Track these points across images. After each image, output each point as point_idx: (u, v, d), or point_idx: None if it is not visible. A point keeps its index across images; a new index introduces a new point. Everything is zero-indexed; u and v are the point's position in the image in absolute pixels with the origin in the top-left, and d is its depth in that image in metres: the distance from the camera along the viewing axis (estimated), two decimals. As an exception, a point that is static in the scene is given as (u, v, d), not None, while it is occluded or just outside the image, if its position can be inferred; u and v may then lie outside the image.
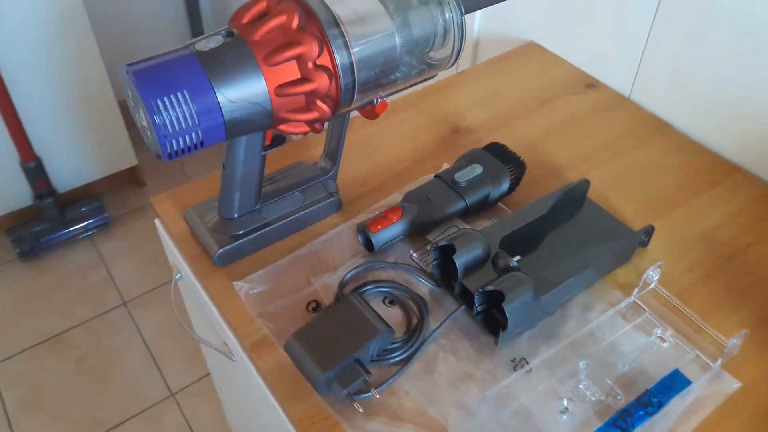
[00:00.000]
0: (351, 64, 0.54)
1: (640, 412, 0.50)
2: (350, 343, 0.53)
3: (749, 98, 0.71)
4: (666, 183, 0.72)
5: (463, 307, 0.58)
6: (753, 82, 0.70)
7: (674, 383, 0.53)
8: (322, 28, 0.52)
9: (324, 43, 0.52)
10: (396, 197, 0.69)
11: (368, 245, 0.64)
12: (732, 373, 0.54)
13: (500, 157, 0.68)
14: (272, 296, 0.61)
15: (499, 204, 0.68)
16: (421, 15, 0.58)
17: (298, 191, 0.66)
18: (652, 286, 0.59)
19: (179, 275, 0.72)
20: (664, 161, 0.74)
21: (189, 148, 0.51)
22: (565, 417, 0.51)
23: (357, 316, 0.55)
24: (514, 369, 0.55)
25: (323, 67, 0.52)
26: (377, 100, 0.61)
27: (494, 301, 0.55)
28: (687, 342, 0.56)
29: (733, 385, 0.53)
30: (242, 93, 0.51)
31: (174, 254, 0.69)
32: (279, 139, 0.62)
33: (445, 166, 0.73)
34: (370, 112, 0.61)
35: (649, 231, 0.63)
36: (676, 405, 0.52)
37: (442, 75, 0.65)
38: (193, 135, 0.50)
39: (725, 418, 0.52)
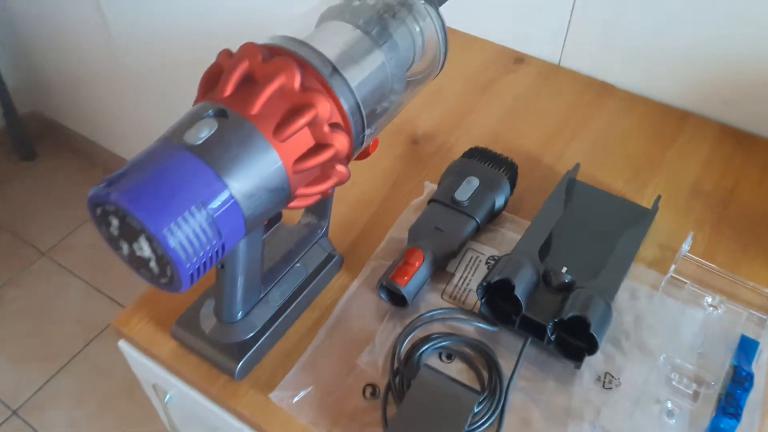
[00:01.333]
0: (359, 110, 0.46)
1: (739, 391, 0.50)
2: (449, 425, 0.47)
3: (682, 42, 0.72)
4: (635, 145, 0.72)
5: (530, 339, 0.53)
6: (682, 25, 0.71)
7: (747, 349, 0.53)
8: (324, 80, 0.43)
9: (332, 97, 0.43)
10: (396, 236, 0.62)
11: (395, 300, 0.56)
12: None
13: (487, 161, 0.63)
14: (320, 396, 0.51)
15: (504, 213, 0.64)
16: (401, 32, 0.50)
17: (297, 264, 0.57)
18: (682, 255, 0.59)
19: (168, 396, 0.59)
20: (623, 123, 0.74)
21: (208, 264, 0.40)
22: (673, 420, 0.50)
23: (441, 390, 0.48)
24: (604, 387, 0.52)
25: (337, 126, 0.44)
26: (371, 141, 0.53)
27: (563, 325, 0.51)
28: (735, 302, 0.57)
29: (794, 332, 0.55)
30: (258, 181, 0.41)
31: (161, 377, 0.57)
32: (276, 217, 0.52)
33: (428, 184, 0.67)
34: (364, 153, 0.53)
35: (657, 201, 0.62)
36: (756, 370, 0.53)
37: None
38: (215, 248, 0.39)
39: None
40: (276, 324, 0.54)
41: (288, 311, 0.54)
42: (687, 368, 0.52)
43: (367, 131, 0.48)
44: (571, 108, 0.76)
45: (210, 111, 0.41)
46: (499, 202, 0.61)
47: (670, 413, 0.50)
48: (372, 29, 0.48)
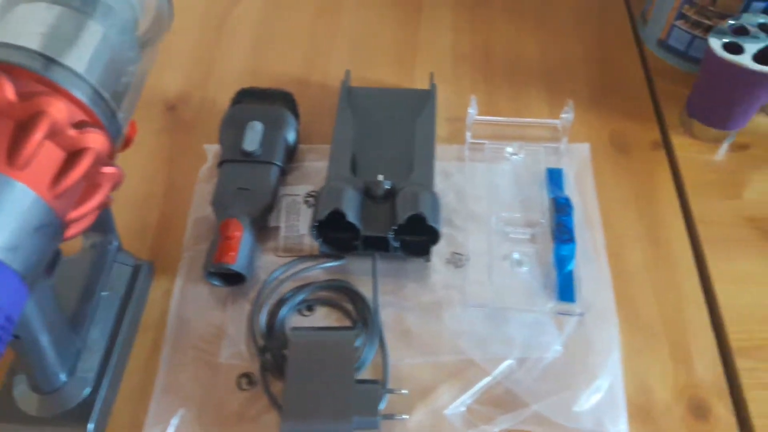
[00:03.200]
0: (100, 96, 0.38)
1: (564, 218, 0.55)
2: (339, 375, 0.44)
3: None
4: (388, 33, 0.71)
5: (377, 255, 0.52)
6: None
7: (554, 178, 0.58)
8: (43, 77, 0.35)
9: (61, 94, 0.35)
10: (200, 216, 0.56)
11: (230, 281, 0.51)
12: (574, 138, 0.61)
13: (261, 100, 0.58)
14: (196, 413, 0.46)
15: (300, 146, 0.60)
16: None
17: (104, 292, 0.48)
18: (472, 120, 0.61)
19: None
20: (368, 16, 0.73)
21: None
22: (525, 267, 0.53)
23: (317, 345, 0.46)
24: (456, 267, 0.53)
25: (84, 124, 0.36)
26: (127, 124, 0.45)
27: (401, 229, 0.51)
28: (531, 142, 0.61)
29: (584, 151, 0.60)
30: (14, 227, 0.32)
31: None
32: (56, 256, 0.43)
33: (208, 147, 0.60)
34: (125, 142, 0.46)
35: (431, 78, 0.63)
36: (570, 192, 0.57)
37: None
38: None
39: (601, 170, 0.59)
40: (111, 366, 0.46)
41: (117, 347, 0.47)
42: (516, 218, 0.55)
43: (120, 116, 0.41)
44: (316, 17, 0.73)
45: None
46: (291, 137, 0.57)
47: (519, 263, 0.53)
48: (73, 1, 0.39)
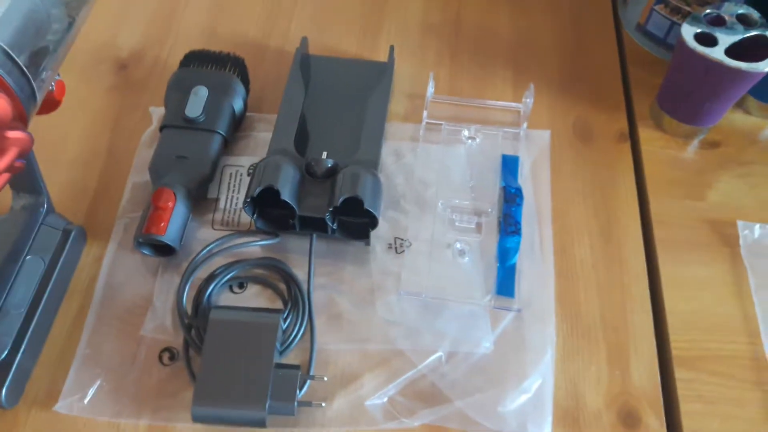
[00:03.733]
0: (9, 58, 0.36)
1: (513, 208, 0.53)
2: (258, 358, 0.43)
3: None
4: (357, -1, 0.69)
5: (314, 235, 0.51)
6: None
7: (509, 165, 0.56)
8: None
9: (-47, 51, 0.33)
10: (138, 181, 0.54)
11: (162, 251, 0.50)
12: (536, 124, 0.59)
13: (209, 64, 0.56)
14: (114, 384, 0.45)
15: (247, 114, 0.58)
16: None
17: (29, 256, 0.47)
18: (429, 98, 0.58)
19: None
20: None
21: None
22: (466, 258, 0.51)
23: (239, 324, 0.44)
24: (397, 252, 0.51)
25: (-19, 86, 0.34)
26: (52, 84, 0.43)
27: (340, 210, 0.49)
28: (490, 126, 0.58)
29: (543, 138, 0.58)
30: None
31: None
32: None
33: (153, 110, 0.58)
34: (50, 102, 0.44)
35: (391, 52, 0.60)
36: (523, 182, 0.55)
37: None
38: None
39: (560, 159, 0.57)
40: (30, 332, 0.45)
41: (39, 312, 0.45)
42: (464, 205, 0.53)
43: (38, 79, 0.39)
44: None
45: None
46: (238, 105, 0.55)
47: (461, 252, 0.51)
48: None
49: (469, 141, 0.57)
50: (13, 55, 0.37)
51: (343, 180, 0.48)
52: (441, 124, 0.58)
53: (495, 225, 0.52)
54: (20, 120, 0.38)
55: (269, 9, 0.67)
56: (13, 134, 0.36)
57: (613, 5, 0.69)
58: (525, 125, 0.57)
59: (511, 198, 0.53)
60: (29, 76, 0.38)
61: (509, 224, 0.51)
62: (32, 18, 0.39)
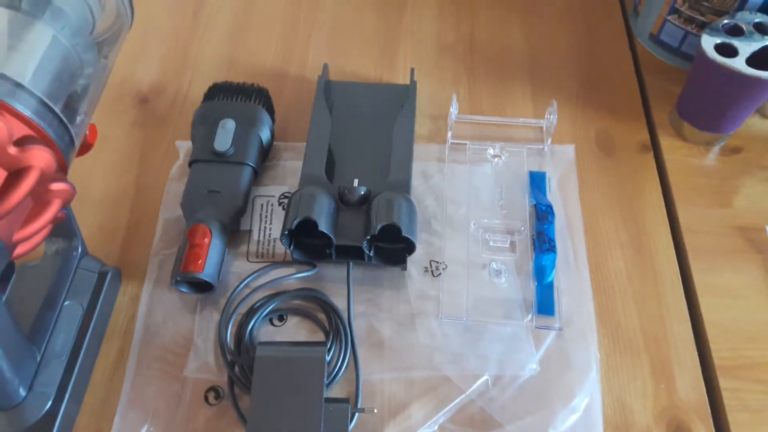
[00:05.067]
0: (47, 108, 0.36)
1: (546, 225, 0.53)
2: (307, 393, 0.43)
3: None
4: (369, 22, 0.68)
5: (351, 264, 0.50)
6: None
7: (537, 182, 0.56)
8: (-20, 90, 0.32)
9: (1, 109, 0.33)
10: (170, 217, 0.54)
11: (199, 287, 0.50)
12: (558, 139, 0.59)
13: (234, 96, 0.56)
14: (162, 427, 0.44)
15: (274, 143, 0.58)
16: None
17: (66, 301, 0.47)
18: (453, 119, 0.58)
19: None
20: (349, 2, 0.70)
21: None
22: (503, 279, 0.51)
23: (286, 359, 0.44)
24: (434, 276, 0.51)
25: (29, 139, 0.34)
26: (86, 129, 0.43)
27: (376, 237, 0.49)
28: (514, 144, 0.59)
29: (568, 153, 0.58)
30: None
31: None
32: (8, 269, 0.41)
33: (180, 144, 0.58)
34: (83, 146, 0.44)
35: (412, 74, 0.60)
36: (552, 198, 0.55)
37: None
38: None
39: (585, 173, 0.57)
40: (73, 378, 0.44)
41: (81, 358, 0.45)
42: (496, 224, 0.54)
43: (74, 125, 0.39)
44: (293, 4, 0.70)
45: None
46: (265, 135, 0.55)
47: (497, 273, 0.51)
48: (19, 0, 0.37)
49: (495, 159, 0.57)
50: (51, 105, 0.36)
51: (378, 207, 0.49)
52: (465, 144, 0.58)
53: (528, 243, 0.52)
54: (62, 170, 0.37)
55: (285, 37, 0.67)
56: (56, 186, 0.36)
57: (624, 16, 0.70)
58: (549, 141, 0.58)
59: (543, 215, 0.53)
60: (67, 123, 0.38)
61: (543, 242, 0.52)
62: (66, 65, 0.39)
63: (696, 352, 0.48)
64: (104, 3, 0.43)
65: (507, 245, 0.52)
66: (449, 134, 0.58)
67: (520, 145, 0.58)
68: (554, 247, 0.51)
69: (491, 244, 0.52)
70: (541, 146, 0.58)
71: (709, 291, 0.51)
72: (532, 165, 0.57)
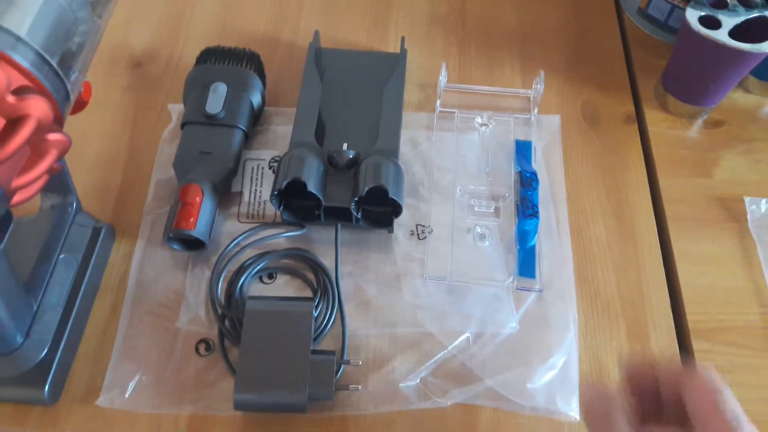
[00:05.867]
0: (44, 60, 0.37)
1: (530, 192, 0.54)
2: (295, 345, 0.44)
3: None
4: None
5: (339, 225, 0.52)
6: None
7: (523, 151, 0.57)
8: (-22, 38, 0.33)
9: (1, 59, 0.34)
10: (162, 177, 0.55)
11: (191, 245, 0.51)
12: (545, 110, 0.60)
13: (226, 60, 0.57)
14: (153, 377, 0.46)
15: (265, 108, 0.59)
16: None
17: (61, 255, 0.48)
18: (442, 88, 0.59)
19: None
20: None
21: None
22: (486, 242, 0.52)
23: (274, 314, 0.46)
24: (419, 239, 0.53)
25: (26, 90, 0.35)
26: (80, 86, 0.44)
27: (363, 199, 0.50)
28: (501, 113, 0.60)
29: (554, 123, 0.59)
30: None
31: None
32: (6, 218, 0.42)
33: (172, 107, 0.59)
34: (78, 103, 0.44)
35: (402, 43, 0.61)
36: (537, 166, 0.57)
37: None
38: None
39: (570, 143, 0.58)
40: (68, 329, 0.46)
41: (75, 310, 0.47)
42: (481, 191, 0.55)
43: (69, 80, 0.40)
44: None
45: None
46: (256, 100, 0.56)
47: (481, 237, 0.53)
48: (15, -48, 0.37)
49: (483, 128, 0.58)
50: (48, 58, 0.37)
51: (366, 170, 0.50)
52: (454, 112, 0.59)
53: (512, 209, 0.54)
54: (57, 122, 0.38)
55: (278, 4, 0.68)
56: (53, 137, 0.37)
57: (614, -9, 0.71)
58: (536, 111, 0.59)
59: (527, 182, 0.54)
60: (63, 77, 0.39)
61: (527, 207, 0.53)
62: (61, 21, 0.39)
63: (671, 316, 0.50)
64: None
65: (491, 211, 0.54)
66: (438, 102, 0.59)
67: (507, 115, 0.59)
68: (537, 212, 0.53)
69: (476, 209, 0.54)
70: (528, 116, 0.59)
71: (687, 258, 0.53)
72: (518, 134, 0.58)
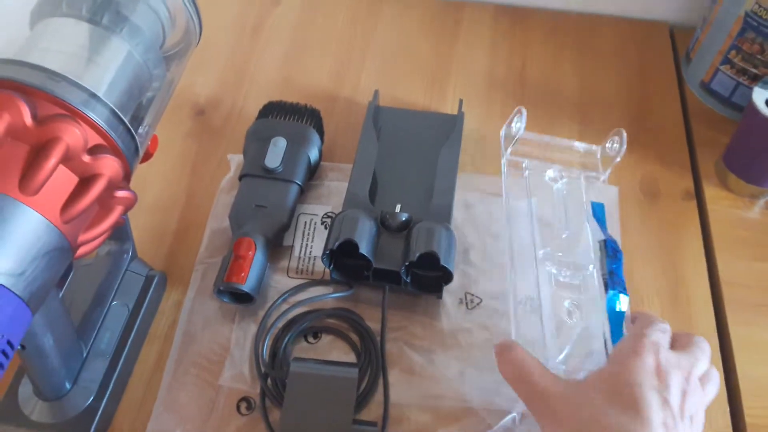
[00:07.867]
0: (118, 119, 0.38)
1: (614, 265, 0.52)
2: (337, 412, 0.44)
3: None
4: (422, 50, 0.70)
5: (388, 288, 0.51)
6: None
7: (598, 215, 0.54)
8: (62, 101, 0.34)
9: (78, 117, 0.35)
10: (217, 228, 0.56)
11: (239, 298, 0.51)
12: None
13: (286, 115, 0.58)
14: (194, 434, 0.46)
15: (321, 164, 0.59)
16: (137, 9, 0.42)
17: (114, 302, 0.49)
18: (519, 135, 0.54)
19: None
20: (404, 29, 0.72)
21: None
22: (575, 319, 0.48)
23: (318, 377, 0.45)
24: (468, 307, 0.52)
25: (99, 149, 0.36)
26: (149, 139, 0.45)
27: (413, 264, 0.50)
28: (572, 167, 0.56)
29: (612, 195, 0.58)
30: (24, 253, 0.32)
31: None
32: (69, 267, 0.43)
33: (232, 157, 0.60)
34: (145, 156, 0.46)
35: (460, 105, 0.61)
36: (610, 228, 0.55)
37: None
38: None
39: (627, 216, 0.57)
40: (115, 377, 0.46)
41: (123, 358, 0.47)
42: (560, 259, 0.50)
43: (138, 136, 0.41)
44: (349, 27, 0.72)
45: None
46: (314, 155, 0.57)
47: (569, 312, 0.48)
48: (100, 16, 0.39)
49: (553, 183, 0.55)
50: (122, 116, 0.38)
51: (419, 235, 0.49)
52: (523, 162, 0.55)
53: (591, 280, 0.49)
54: (126, 178, 0.39)
55: (340, 61, 0.69)
56: (121, 194, 0.38)
57: (676, 61, 0.70)
58: (609, 170, 0.55)
59: (614, 254, 0.51)
60: (134, 134, 0.40)
61: (615, 282, 0.50)
62: (137, 78, 0.41)
63: (727, 408, 0.48)
64: (175, 20, 0.45)
65: (576, 281, 0.49)
66: (508, 150, 0.54)
67: (577, 171, 0.55)
68: (625, 288, 0.50)
69: (561, 279, 0.49)
70: (596, 173, 0.55)
71: (746, 346, 0.50)
72: (589, 194, 0.54)
